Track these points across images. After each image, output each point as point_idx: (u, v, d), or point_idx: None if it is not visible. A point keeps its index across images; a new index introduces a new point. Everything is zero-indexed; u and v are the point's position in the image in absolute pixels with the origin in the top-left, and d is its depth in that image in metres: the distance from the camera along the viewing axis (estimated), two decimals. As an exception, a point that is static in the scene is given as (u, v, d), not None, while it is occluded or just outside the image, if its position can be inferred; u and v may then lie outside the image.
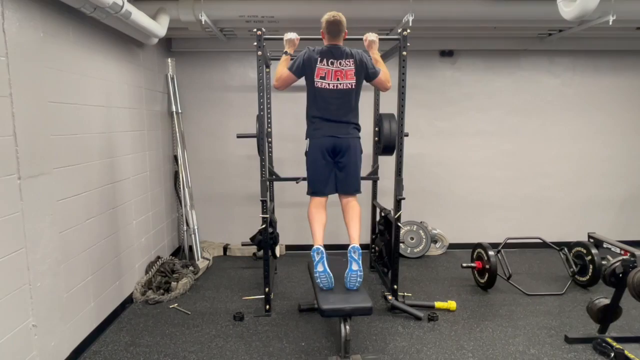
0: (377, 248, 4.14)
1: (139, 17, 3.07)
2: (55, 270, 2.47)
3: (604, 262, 3.34)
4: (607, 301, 2.86)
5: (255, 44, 3.12)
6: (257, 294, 3.66)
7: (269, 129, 4.11)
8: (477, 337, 3.02)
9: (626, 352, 2.65)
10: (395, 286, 3.46)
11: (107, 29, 3.12)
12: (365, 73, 2.85)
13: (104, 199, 3.10)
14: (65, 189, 2.60)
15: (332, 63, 2.78)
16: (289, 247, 4.93)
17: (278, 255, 4.52)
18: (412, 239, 4.78)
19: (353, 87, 2.82)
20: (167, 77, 4.45)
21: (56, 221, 2.49)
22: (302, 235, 4.54)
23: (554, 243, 4.05)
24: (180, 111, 4.51)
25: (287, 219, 4.71)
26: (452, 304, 3.42)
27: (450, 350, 2.84)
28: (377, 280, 4.08)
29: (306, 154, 2.92)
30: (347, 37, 2.90)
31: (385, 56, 3.56)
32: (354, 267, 2.65)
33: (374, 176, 4.18)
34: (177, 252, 4.74)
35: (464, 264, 3.96)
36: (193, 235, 4.45)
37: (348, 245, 2.76)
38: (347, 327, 2.50)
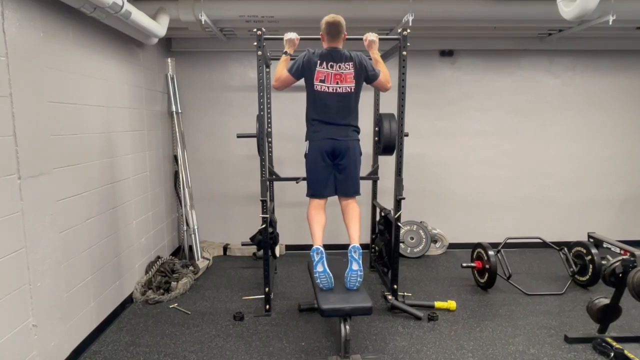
0: (377, 248, 4.14)
1: (139, 17, 3.07)
2: (55, 270, 2.47)
3: (603, 262, 3.34)
4: (607, 301, 2.86)
5: (255, 44, 3.12)
6: (257, 293, 3.66)
7: (269, 129, 4.11)
8: (477, 336, 3.02)
9: (626, 351, 2.65)
10: (395, 286, 3.46)
11: (107, 29, 3.12)
12: (365, 75, 2.86)
13: (104, 198, 3.10)
14: (65, 189, 2.60)
15: (332, 66, 2.78)
16: (289, 247, 4.93)
17: (278, 255, 4.52)
18: (412, 238, 4.78)
19: (352, 90, 2.82)
20: (167, 77, 4.45)
21: (56, 221, 2.49)
22: (302, 235, 4.53)
23: (553, 243, 4.05)
24: (180, 111, 4.51)
25: (287, 219, 4.71)
26: (452, 304, 3.42)
27: (450, 350, 2.84)
28: (377, 280, 4.08)
29: (306, 156, 2.93)
30: (347, 37, 2.90)
31: (385, 56, 3.56)
32: (354, 266, 2.65)
33: (373, 176, 4.18)
34: (177, 252, 4.74)
35: (464, 264, 3.97)
36: (193, 235, 4.46)
37: (348, 245, 2.76)
38: (347, 327, 2.50)
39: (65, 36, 2.65)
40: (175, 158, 4.58)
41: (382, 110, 4.02)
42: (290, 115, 4.56)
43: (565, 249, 3.97)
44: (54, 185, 2.47)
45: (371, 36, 3.02)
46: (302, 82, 2.89)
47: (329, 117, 2.82)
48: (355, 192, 2.93)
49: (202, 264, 4.30)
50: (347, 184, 2.89)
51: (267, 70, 4.05)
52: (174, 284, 3.72)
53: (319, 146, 2.83)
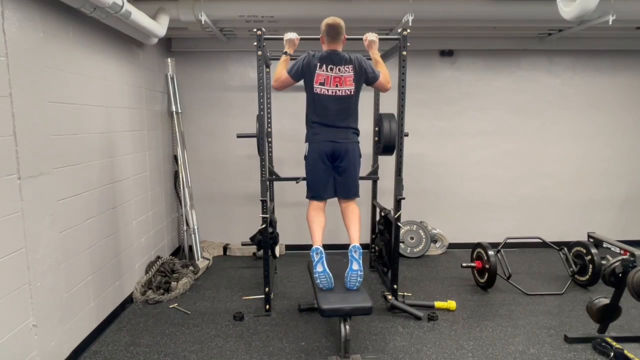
0: (377, 248, 4.14)
1: (139, 17, 3.07)
2: (55, 270, 2.47)
3: (603, 262, 3.34)
4: (606, 301, 2.86)
5: (255, 44, 3.13)
6: (257, 293, 3.66)
7: (269, 129, 4.11)
8: (477, 336, 3.03)
9: (626, 351, 2.66)
10: (395, 286, 3.46)
11: (107, 29, 3.12)
12: (365, 78, 2.87)
13: (104, 198, 3.10)
14: (65, 189, 2.60)
15: (332, 69, 2.79)
16: (289, 247, 4.93)
17: (278, 255, 4.52)
18: (412, 238, 4.78)
19: (352, 93, 2.83)
20: (167, 77, 4.45)
21: (56, 221, 2.49)
22: (302, 235, 4.53)
23: (553, 243, 4.05)
24: (180, 111, 4.51)
25: (287, 219, 4.71)
26: (451, 304, 3.42)
27: (450, 350, 2.84)
28: (377, 280, 4.08)
29: (305, 158, 2.94)
30: (347, 38, 2.90)
31: (385, 56, 3.56)
32: (355, 266, 2.65)
33: (373, 176, 4.18)
34: (177, 252, 4.74)
35: (464, 264, 3.97)
36: (193, 235, 4.46)
37: (348, 245, 2.76)
38: (347, 326, 2.50)
39: (65, 36, 2.65)
40: (175, 158, 4.58)
41: (382, 110, 4.02)
42: (290, 115, 4.56)
43: (565, 248, 3.97)
44: (54, 185, 2.47)
45: (371, 36, 3.03)
46: (302, 82, 2.89)
47: (329, 119, 2.82)
48: (354, 194, 2.94)
49: (202, 264, 4.30)
50: (346, 186, 2.90)
51: (267, 70, 4.05)
52: (174, 284, 3.72)
53: (319, 149, 2.83)
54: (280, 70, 2.87)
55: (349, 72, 2.80)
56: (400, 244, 3.85)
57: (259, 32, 3.10)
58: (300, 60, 2.83)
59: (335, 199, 2.97)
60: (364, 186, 3.94)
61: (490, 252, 3.67)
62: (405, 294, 3.51)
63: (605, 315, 2.88)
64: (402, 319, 3.27)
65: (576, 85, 4.86)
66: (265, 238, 3.35)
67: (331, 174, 2.89)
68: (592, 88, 4.86)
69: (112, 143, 3.25)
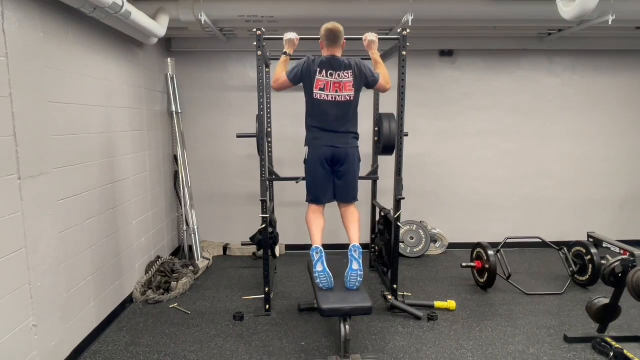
0: (377, 248, 4.14)
1: (139, 17, 3.07)
2: (55, 270, 2.48)
3: (603, 262, 3.33)
4: (606, 301, 2.87)
5: (255, 44, 3.13)
6: (257, 293, 3.66)
7: (269, 129, 4.11)
8: (477, 336, 3.03)
9: (625, 351, 2.66)
10: (395, 286, 3.46)
11: (107, 29, 3.12)
12: (365, 82, 2.88)
13: (104, 198, 3.10)
14: (65, 189, 2.60)
15: (331, 75, 2.80)
16: (289, 247, 4.93)
17: (278, 255, 4.52)
18: (411, 238, 4.78)
19: (352, 98, 2.84)
20: (167, 77, 4.45)
21: (56, 221, 2.49)
22: (302, 235, 4.52)
23: (553, 243, 4.05)
24: (180, 111, 4.51)
25: (287, 219, 4.71)
26: (451, 304, 3.43)
27: (449, 350, 2.84)
28: (376, 280, 4.08)
29: (305, 162, 2.95)
30: (347, 37, 2.90)
31: (385, 56, 3.56)
32: (355, 266, 2.66)
33: (373, 176, 4.18)
34: (177, 252, 4.74)
35: (464, 264, 3.97)
36: (193, 235, 4.46)
37: (348, 245, 2.77)
38: (347, 326, 2.50)
39: (65, 36, 2.65)
40: (175, 158, 4.58)
41: (381, 110, 4.02)
42: (290, 115, 4.56)
43: (565, 248, 3.97)
44: (54, 185, 2.47)
45: (371, 36, 3.03)
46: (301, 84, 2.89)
47: (329, 124, 2.84)
48: (353, 198, 2.97)
49: (202, 263, 4.31)
50: (346, 190, 2.93)
51: (267, 70, 4.04)
52: (174, 284, 3.72)
53: (319, 153, 2.85)
54: (279, 71, 2.88)
55: (348, 77, 2.80)
56: (400, 243, 3.85)
57: (258, 32, 3.10)
58: (300, 65, 2.84)
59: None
60: (364, 186, 3.95)
61: (490, 252, 3.68)
62: (405, 293, 3.51)
63: (605, 315, 2.88)
64: (402, 319, 3.27)
65: (576, 85, 4.86)
66: (265, 238, 3.35)
67: (331, 179, 2.91)
68: (592, 88, 4.87)
69: (112, 143, 3.25)
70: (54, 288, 2.47)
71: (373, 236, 4.32)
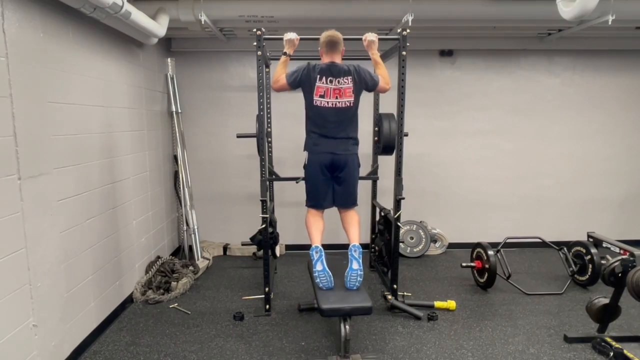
0: (376, 248, 4.14)
1: (139, 17, 3.07)
2: (55, 270, 2.48)
3: (603, 262, 3.33)
4: (606, 300, 2.87)
5: (255, 44, 3.13)
6: (257, 293, 3.67)
7: (269, 129, 4.11)
8: (477, 336, 3.03)
9: (625, 351, 2.66)
10: (395, 286, 3.46)
11: (107, 29, 3.12)
12: (365, 86, 2.89)
13: (104, 198, 3.10)
14: (65, 189, 2.60)
15: (331, 81, 2.80)
16: (289, 247, 4.93)
17: (278, 255, 4.52)
18: (411, 238, 4.78)
19: (351, 105, 2.85)
20: (166, 77, 4.45)
21: (56, 221, 2.49)
22: (302, 234, 4.51)
23: (553, 242, 4.05)
24: (180, 111, 4.51)
25: (287, 219, 4.71)
26: (451, 304, 3.43)
27: (449, 350, 2.84)
28: (376, 280, 4.08)
29: (305, 167, 2.96)
30: (347, 37, 2.91)
31: (385, 56, 3.56)
32: (355, 265, 2.66)
33: (373, 176, 4.18)
34: (177, 252, 4.74)
35: (464, 264, 3.97)
36: (193, 235, 4.46)
37: (348, 245, 2.77)
38: (347, 326, 2.51)
39: (65, 36, 2.65)
40: (175, 158, 4.58)
41: (381, 110, 4.02)
42: (290, 116, 4.56)
43: (565, 248, 3.97)
44: (54, 185, 2.47)
45: (370, 36, 3.03)
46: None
47: (328, 131, 2.85)
48: (352, 203, 2.98)
49: (202, 263, 4.31)
50: (345, 196, 2.94)
51: (267, 70, 4.04)
52: (174, 283, 3.73)
53: (318, 160, 2.86)
54: (279, 72, 2.89)
55: (348, 83, 2.81)
56: (400, 243, 3.85)
57: (258, 32, 3.10)
58: (300, 71, 2.84)
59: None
60: (364, 186, 3.95)
61: (490, 252, 3.68)
62: (405, 293, 3.51)
63: (605, 315, 2.88)
64: (402, 319, 3.27)
65: (576, 85, 4.86)
66: (265, 238, 3.35)
67: (330, 184, 2.93)
68: (592, 88, 4.87)
69: (112, 143, 3.25)
70: (54, 288, 2.47)
71: (373, 236, 4.32)
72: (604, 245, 3.64)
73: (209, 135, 4.80)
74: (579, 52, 4.78)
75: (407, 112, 3.36)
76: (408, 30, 3.20)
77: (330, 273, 2.66)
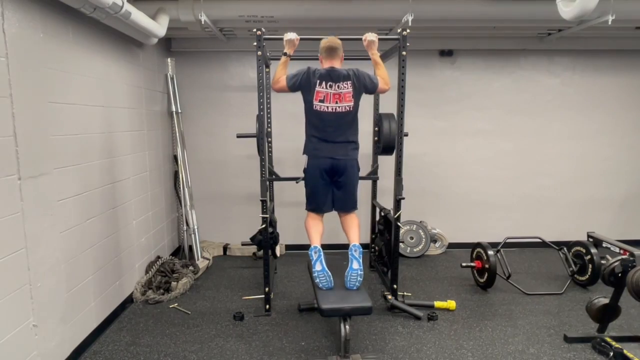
0: (376, 248, 4.14)
1: (139, 17, 3.08)
2: (55, 270, 2.48)
3: (603, 262, 3.33)
4: (606, 300, 2.87)
5: (255, 44, 3.13)
6: (257, 293, 3.67)
7: (269, 129, 4.11)
8: (477, 336, 3.03)
9: (625, 351, 2.66)
10: (395, 286, 3.46)
11: (107, 29, 3.12)
12: (365, 90, 2.90)
13: (104, 198, 3.10)
14: (65, 189, 2.60)
15: (331, 86, 2.82)
16: (289, 247, 4.93)
17: (278, 255, 4.52)
18: (411, 238, 4.79)
19: (351, 109, 2.86)
20: (166, 77, 4.46)
21: (56, 221, 2.49)
22: (302, 234, 4.50)
23: (553, 242, 4.05)
24: (179, 111, 4.51)
25: (287, 219, 4.70)
26: (451, 304, 3.43)
27: (449, 350, 2.85)
28: (376, 280, 4.08)
29: (304, 172, 2.96)
30: (346, 38, 2.91)
31: (384, 56, 3.56)
32: (355, 265, 2.66)
33: (373, 176, 4.19)
34: (177, 252, 4.74)
35: (464, 264, 3.97)
36: (193, 235, 4.46)
37: (348, 245, 2.77)
38: (347, 326, 2.51)
39: (65, 36, 2.65)
40: (175, 158, 4.58)
41: (381, 110, 4.02)
42: (290, 115, 4.55)
43: (565, 248, 3.97)
44: (54, 185, 2.47)
45: (370, 36, 3.03)
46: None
47: (328, 135, 2.86)
48: (352, 207, 2.99)
49: (202, 263, 4.31)
50: (344, 200, 2.95)
51: (267, 70, 4.04)
52: (174, 284, 3.73)
53: (318, 164, 2.87)
54: (279, 73, 2.90)
55: (347, 88, 2.82)
56: (400, 243, 3.85)
57: (258, 32, 3.10)
58: (300, 75, 2.85)
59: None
60: (364, 186, 3.95)
61: (490, 252, 3.68)
62: (405, 293, 3.51)
63: (605, 315, 2.89)
64: (402, 319, 3.27)
65: (576, 85, 4.86)
66: (265, 238, 3.35)
67: (330, 189, 2.94)
68: (592, 88, 4.87)
69: (112, 143, 3.25)
70: (54, 288, 2.47)
71: (373, 236, 4.32)
72: (604, 245, 3.65)
73: (209, 135, 4.80)
74: (579, 52, 4.78)
75: (407, 112, 3.36)
76: (408, 30, 3.20)
77: (329, 273, 2.67)
